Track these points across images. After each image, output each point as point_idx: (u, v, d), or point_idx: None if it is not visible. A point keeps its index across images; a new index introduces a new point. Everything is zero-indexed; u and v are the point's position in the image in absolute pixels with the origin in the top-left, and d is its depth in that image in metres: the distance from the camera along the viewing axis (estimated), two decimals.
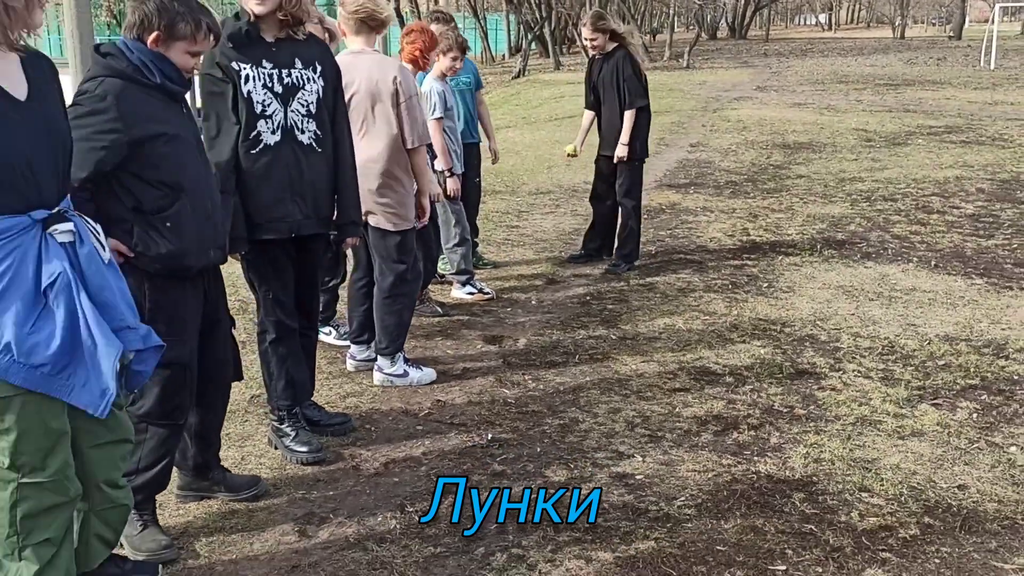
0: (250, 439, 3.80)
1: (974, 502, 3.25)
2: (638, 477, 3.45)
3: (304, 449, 3.60)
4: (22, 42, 2.24)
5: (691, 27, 39.67)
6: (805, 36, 54.24)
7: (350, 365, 4.61)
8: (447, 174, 5.44)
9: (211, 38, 2.85)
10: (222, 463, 3.35)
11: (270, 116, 3.32)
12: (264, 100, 3.30)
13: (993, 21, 27.79)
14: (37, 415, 2.29)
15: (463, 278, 5.80)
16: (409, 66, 5.03)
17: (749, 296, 5.73)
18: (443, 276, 5.99)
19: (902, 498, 3.26)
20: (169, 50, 2.78)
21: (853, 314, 5.34)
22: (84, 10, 12.14)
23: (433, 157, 5.22)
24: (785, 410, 4.04)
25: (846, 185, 9.43)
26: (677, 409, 4.07)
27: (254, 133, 3.31)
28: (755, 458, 3.59)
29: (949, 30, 45.95)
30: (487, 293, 5.81)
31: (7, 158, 2.17)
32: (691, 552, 2.94)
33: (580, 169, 10.90)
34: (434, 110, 5.27)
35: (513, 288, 6.04)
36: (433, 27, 5.26)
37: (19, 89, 2.23)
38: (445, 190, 5.42)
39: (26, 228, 2.23)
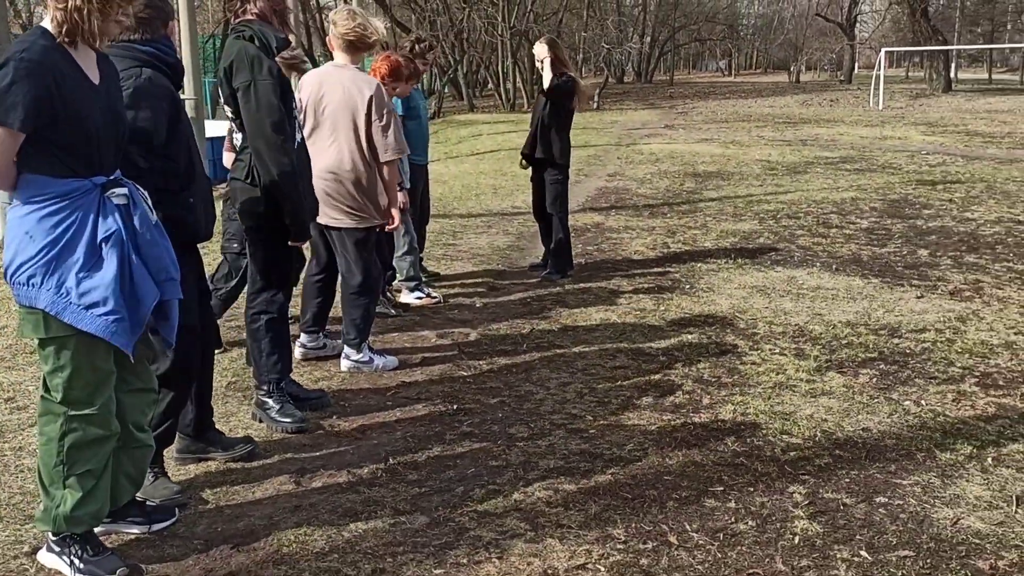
0: (234, 416, 4.12)
1: (876, 439, 3.82)
2: (591, 431, 3.92)
3: (288, 419, 3.95)
4: (100, 44, 2.65)
5: (599, 71, 41.21)
6: (707, 80, 56.74)
7: (298, 353, 4.93)
8: (398, 188, 5.86)
9: None
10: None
11: (297, 117, 3.81)
12: (295, 104, 3.81)
13: (880, 66, 29.79)
14: (88, 355, 2.64)
15: (412, 284, 6.21)
16: None
17: (674, 296, 6.30)
18: (389, 283, 6.38)
19: (816, 438, 3.81)
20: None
21: (767, 307, 5.96)
22: (5, 44, 12.23)
23: None
24: (713, 379, 4.58)
25: (754, 206, 10.20)
26: (619, 382, 4.56)
27: (298, 133, 3.83)
28: (691, 414, 4.10)
29: (840, 75, 48.78)
30: (435, 297, 6.23)
31: (86, 130, 2.56)
32: (643, 481, 3.41)
33: (507, 196, 11.47)
34: None
35: (458, 294, 6.47)
36: (428, 56, 6.18)
37: (95, 76, 2.63)
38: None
39: (88, 191, 2.61)
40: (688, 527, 3.08)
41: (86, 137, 2.58)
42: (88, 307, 2.58)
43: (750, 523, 3.11)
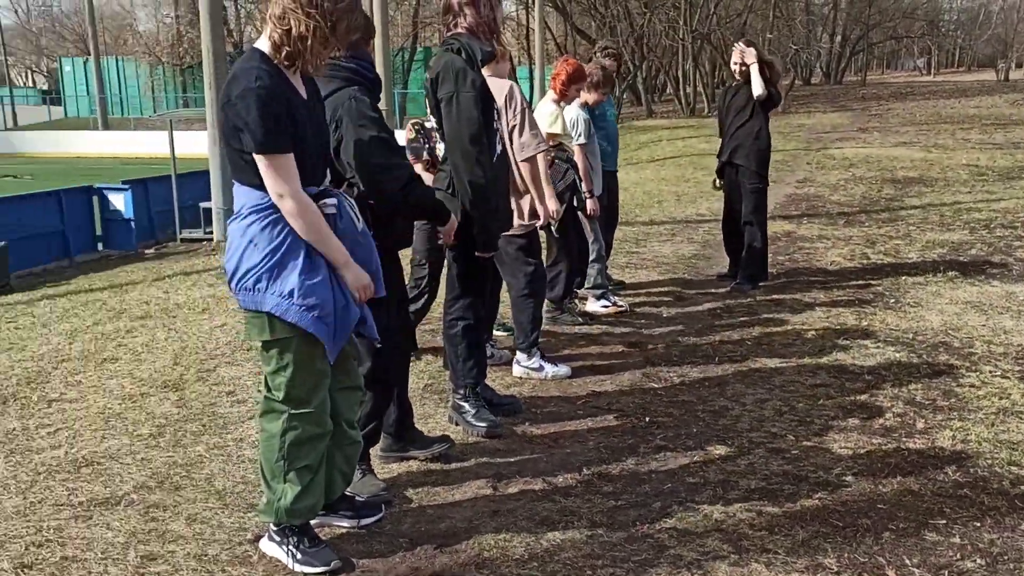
0: (431, 418, 4.24)
1: None
2: (794, 452, 3.75)
3: (484, 424, 4.01)
4: (316, 72, 2.82)
5: (785, 73, 39.72)
6: (903, 80, 53.55)
7: None
8: (587, 195, 5.85)
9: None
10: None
11: (497, 129, 3.91)
12: (496, 116, 3.92)
13: None
14: (309, 355, 2.78)
15: (598, 292, 6.18)
16: (553, 93, 5.57)
17: (877, 310, 5.95)
18: (577, 291, 6.37)
19: None
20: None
21: (984, 325, 5.51)
22: (221, 62, 13.18)
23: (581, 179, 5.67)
24: (927, 402, 4.27)
25: (963, 215, 9.51)
26: (821, 401, 4.34)
27: (498, 145, 3.92)
28: (904, 439, 3.84)
29: None
30: (621, 306, 6.17)
31: (302, 145, 2.70)
32: (854, 508, 3.22)
33: (690, 203, 11.26)
34: (580, 136, 5.72)
35: (644, 303, 6.39)
36: (606, 62, 6.02)
37: (303, 93, 2.79)
38: (586, 210, 5.84)
39: None
40: (908, 561, 2.88)
41: (302, 152, 2.72)
42: (309, 309, 2.71)
43: (978, 561, 2.86)
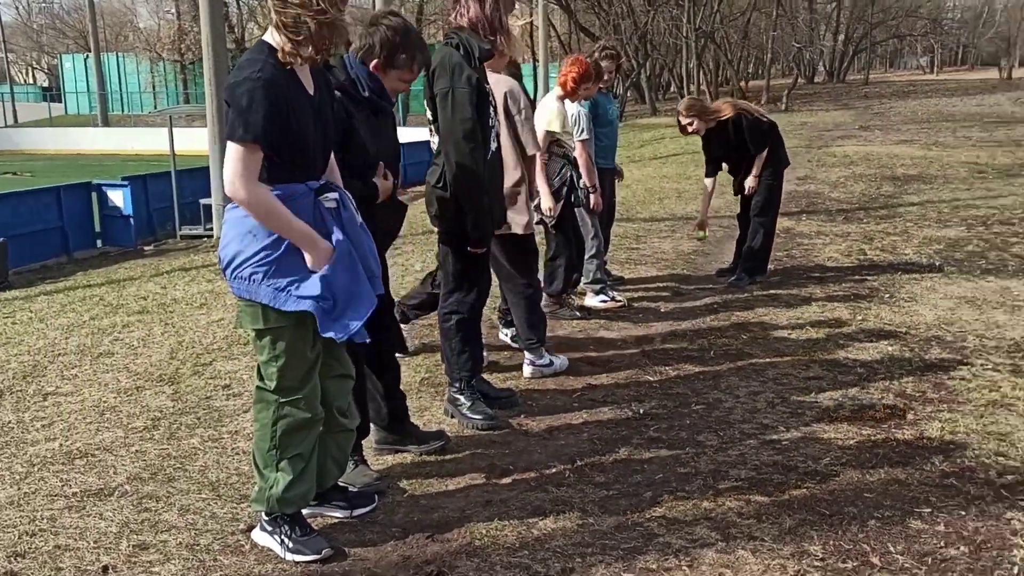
0: (427, 410, 4.27)
1: None
2: (784, 442, 3.78)
3: (479, 416, 4.04)
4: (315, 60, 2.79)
5: (788, 72, 39.61)
6: (906, 79, 53.47)
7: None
8: (590, 190, 5.86)
9: (421, 71, 3.41)
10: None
11: (493, 127, 3.90)
12: (492, 113, 3.90)
13: None
14: (300, 344, 2.81)
15: (597, 287, 6.20)
16: (559, 91, 5.59)
17: (872, 305, 5.97)
18: (575, 286, 6.40)
19: None
20: (385, 77, 3.33)
21: (977, 319, 5.53)
22: (222, 58, 13.14)
23: (579, 176, 5.69)
24: (918, 394, 4.30)
25: (960, 211, 9.52)
26: (813, 393, 4.37)
27: (492, 143, 3.91)
28: (893, 430, 3.87)
29: None
30: (619, 301, 6.19)
31: (305, 139, 2.72)
32: (841, 497, 3.25)
33: (691, 200, 11.26)
34: (582, 132, 5.74)
35: (642, 298, 6.41)
36: (604, 63, 5.97)
37: (310, 87, 2.80)
38: (588, 205, 5.86)
39: (305, 194, 2.77)
40: (892, 548, 2.91)
41: (305, 146, 2.74)
42: (302, 297, 2.74)
43: (962, 548, 2.89)
